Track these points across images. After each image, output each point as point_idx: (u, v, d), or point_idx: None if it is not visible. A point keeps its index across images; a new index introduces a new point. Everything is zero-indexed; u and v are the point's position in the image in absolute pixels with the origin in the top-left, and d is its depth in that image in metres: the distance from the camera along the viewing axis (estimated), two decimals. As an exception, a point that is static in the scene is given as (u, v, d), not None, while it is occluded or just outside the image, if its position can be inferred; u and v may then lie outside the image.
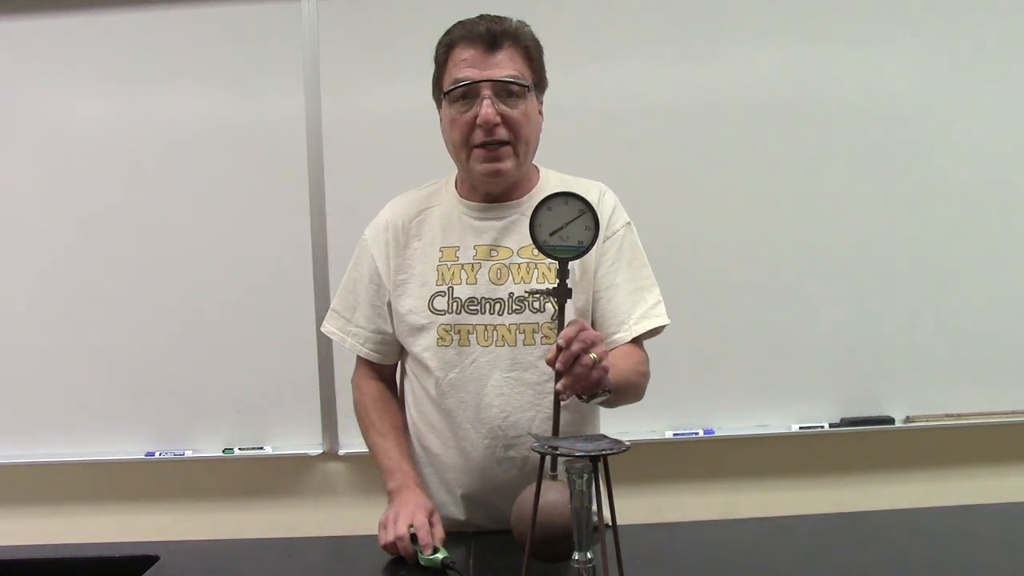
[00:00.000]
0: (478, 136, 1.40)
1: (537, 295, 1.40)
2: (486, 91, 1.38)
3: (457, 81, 1.39)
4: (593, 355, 1.19)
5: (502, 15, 1.43)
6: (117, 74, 2.35)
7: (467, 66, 1.39)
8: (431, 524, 1.34)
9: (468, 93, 1.39)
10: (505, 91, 1.39)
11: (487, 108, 1.37)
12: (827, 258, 2.35)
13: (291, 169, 2.33)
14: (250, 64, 2.34)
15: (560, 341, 1.18)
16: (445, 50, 1.43)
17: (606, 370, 1.23)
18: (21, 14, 2.34)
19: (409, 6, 2.30)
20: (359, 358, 1.58)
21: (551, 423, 1.41)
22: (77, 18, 2.33)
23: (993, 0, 2.34)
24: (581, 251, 1.23)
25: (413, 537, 1.31)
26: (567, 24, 2.30)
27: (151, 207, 2.35)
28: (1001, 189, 2.36)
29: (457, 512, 1.49)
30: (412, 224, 1.51)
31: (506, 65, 1.39)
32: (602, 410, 1.54)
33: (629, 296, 1.47)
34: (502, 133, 1.39)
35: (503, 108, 1.39)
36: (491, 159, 1.41)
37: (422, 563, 1.29)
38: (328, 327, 1.57)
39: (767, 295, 2.34)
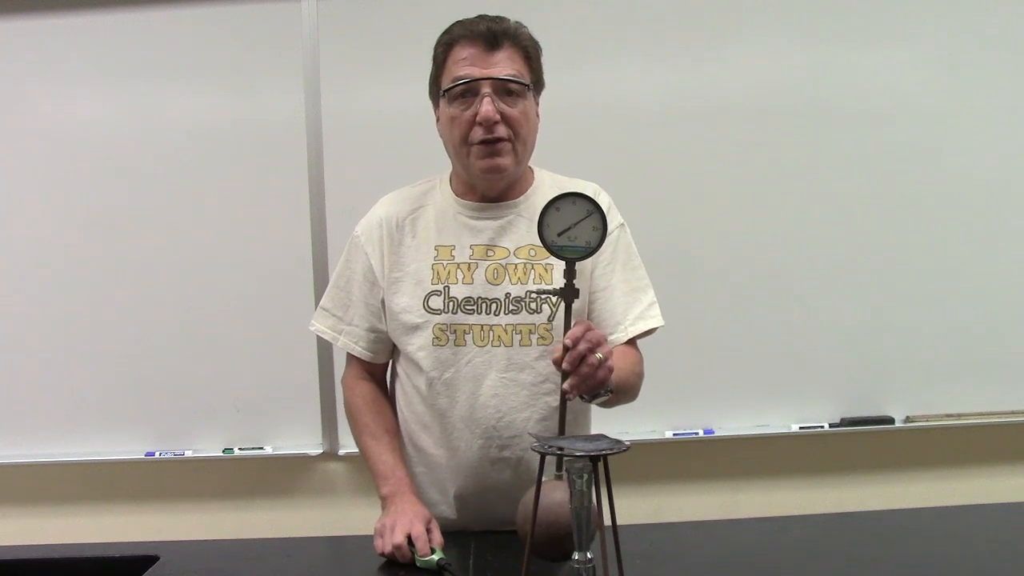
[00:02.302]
0: (478, 134, 1.40)
1: (544, 295, 1.40)
2: (486, 89, 1.38)
3: (457, 79, 1.39)
4: (599, 355, 1.20)
5: (501, 15, 1.43)
6: (117, 74, 2.35)
7: (467, 64, 1.39)
8: (429, 531, 1.34)
9: (468, 91, 1.39)
10: (505, 90, 1.39)
11: (487, 106, 1.37)
12: (827, 258, 2.35)
13: (291, 169, 2.33)
14: (250, 64, 2.34)
15: (567, 341, 1.18)
16: (444, 49, 1.42)
17: (611, 370, 1.23)
18: (21, 14, 2.34)
19: (409, 6, 2.29)
20: (351, 357, 1.56)
21: (545, 424, 1.42)
22: (77, 18, 2.33)
23: (994, 0, 2.34)
24: (589, 251, 1.24)
25: (410, 542, 1.31)
26: (567, 24, 2.30)
27: (151, 207, 2.35)
28: (1001, 189, 2.36)
29: (449, 512, 1.49)
30: (406, 222, 1.50)
31: (505, 64, 1.39)
32: (595, 411, 1.54)
33: (625, 297, 1.47)
34: (501, 131, 1.39)
35: (502, 106, 1.39)
36: (490, 154, 1.41)
37: (418, 564, 1.29)
38: (318, 325, 1.55)
39: (767, 295, 2.34)
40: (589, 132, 2.29)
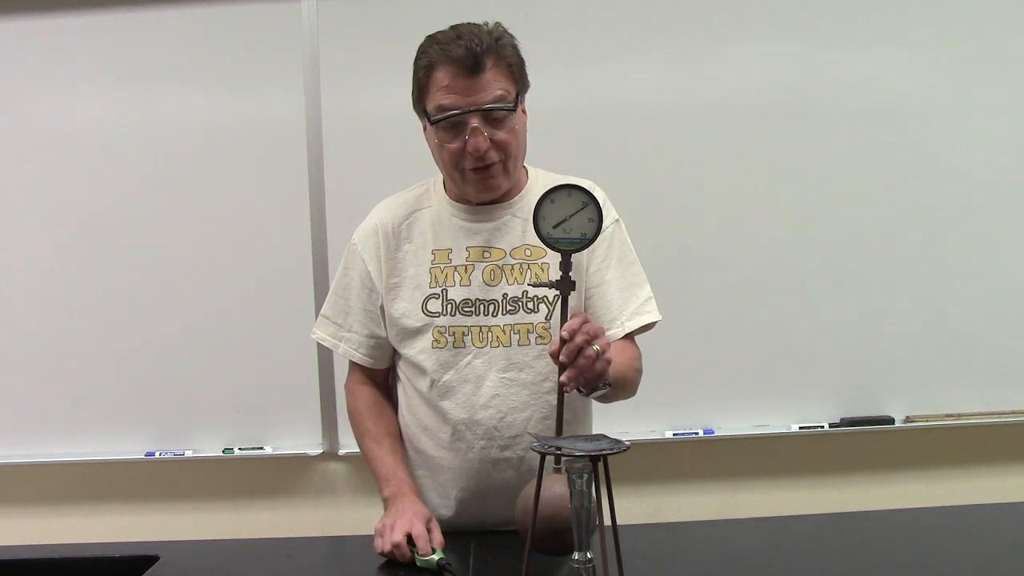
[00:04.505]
0: (469, 162, 1.39)
1: (541, 287, 1.39)
2: (474, 122, 1.35)
3: (442, 109, 1.36)
4: (596, 347, 1.20)
5: (477, 24, 1.38)
6: (117, 74, 2.35)
7: (450, 92, 1.35)
8: (429, 531, 1.34)
9: (455, 122, 1.36)
10: (492, 116, 1.37)
11: (477, 138, 1.36)
12: (827, 258, 2.35)
13: (291, 169, 2.33)
14: (250, 64, 2.34)
15: (564, 333, 1.18)
16: (425, 72, 1.38)
17: (609, 362, 1.23)
18: (21, 14, 2.33)
19: (409, 6, 2.29)
20: (352, 363, 1.56)
21: (546, 423, 1.42)
22: (77, 18, 2.33)
23: (994, 0, 2.34)
24: (584, 243, 1.24)
25: (411, 541, 1.31)
26: (567, 23, 2.30)
27: (151, 207, 2.34)
28: (1001, 189, 2.36)
29: (451, 514, 1.48)
30: (402, 227, 1.50)
31: (491, 87, 1.36)
32: (596, 411, 1.54)
33: (620, 292, 1.47)
34: (492, 156, 1.39)
35: (491, 132, 1.37)
36: (483, 179, 1.41)
37: (418, 564, 1.29)
38: (319, 333, 1.56)
39: (767, 295, 2.34)
40: (588, 132, 2.29)
